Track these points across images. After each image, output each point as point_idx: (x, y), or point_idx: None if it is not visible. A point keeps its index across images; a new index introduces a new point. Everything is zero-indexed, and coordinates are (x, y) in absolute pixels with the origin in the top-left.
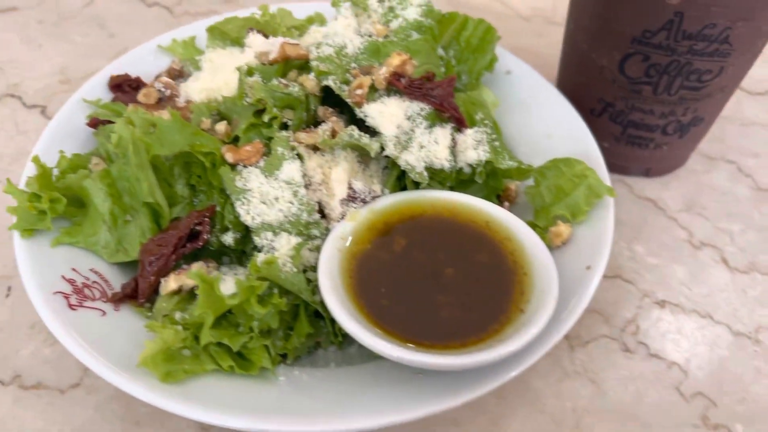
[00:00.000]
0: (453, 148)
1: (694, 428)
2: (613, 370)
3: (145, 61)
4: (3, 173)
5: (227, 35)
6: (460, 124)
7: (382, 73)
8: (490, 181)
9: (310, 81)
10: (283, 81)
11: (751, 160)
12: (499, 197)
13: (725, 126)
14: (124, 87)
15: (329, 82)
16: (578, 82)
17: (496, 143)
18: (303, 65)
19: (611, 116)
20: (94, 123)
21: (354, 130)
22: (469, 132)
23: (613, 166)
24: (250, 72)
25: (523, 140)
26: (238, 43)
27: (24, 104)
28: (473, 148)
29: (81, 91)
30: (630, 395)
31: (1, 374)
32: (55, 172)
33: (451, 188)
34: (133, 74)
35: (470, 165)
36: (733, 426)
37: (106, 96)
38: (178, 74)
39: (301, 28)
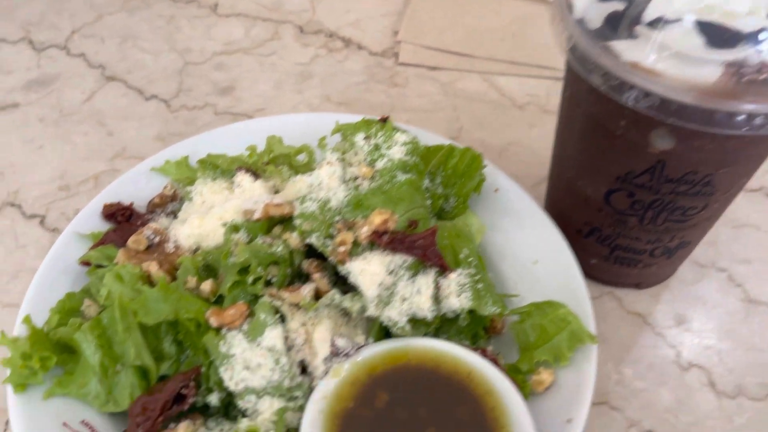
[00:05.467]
0: (436, 295)
1: None
2: None
3: (138, 185)
4: (1, 292)
5: (217, 167)
6: (444, 269)
7: (364, 231)
8: (473, 322)
9: (294, 239)
10: (268, 239)
11: (742, 267)
12: (486, 329)
13: (718, 228)
14: (117, 216)
15: (312, 240)
16: (566, 204)
17: (480, 286)
18: (286, 219)
19: (598, 239)
20: (86, 263)
21: (336, 294)
22: (453, 276)
23: (602, 280)
24: (235, 229)
25: (509, 264)
26: (228, 174)
27: (23, 214)
28: (456, 295)
29: (75, 222)
30: None
31: None
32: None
33: (436, 329)
34: (127, 198)
35: (453, 311)
36: None
37: (99, 224)
38: (170, 198)
39: (289, 158)
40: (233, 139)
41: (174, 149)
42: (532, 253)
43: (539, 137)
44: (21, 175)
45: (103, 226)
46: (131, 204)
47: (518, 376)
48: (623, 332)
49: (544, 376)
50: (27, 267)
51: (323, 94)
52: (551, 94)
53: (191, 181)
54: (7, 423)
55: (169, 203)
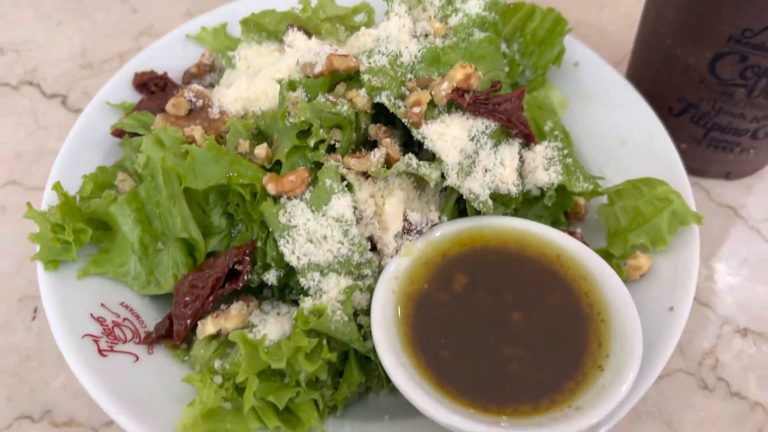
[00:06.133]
0: (520, 168)
1: None
2: (689, 411)
3: (172, 53)
4: (23, 174)
5: (263, 28)
6: (530, 140)
7: (444, 88)
8: (558, 200)
9: (361, 98)
10: (331, 98)
11: None
12: (567, 214)
13: None
14: (150, 86)
15: (383, 98)
16: (656, 79)
17: (569, 160)
18: (351, 76)
19: (693, 117)
20: (119, 133)
21: (412, 159)
22: (539, 149)
23: (688, 169)
24: (292, 86)
25: (592, 143)
26: (275, 36)
27: (43, 93)
28: (544, 168)
29: (103, 91)
30: None
31: (30, 409)
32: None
33: (516, 209)
34: (159, 69)
35: (539, 187)
36: None
37: (130, 95)
38: (208, 69)
39: (345, 19)
40: (277, 2)
41: (210, 16)
42: (619, 132)
43: (610, 19)
44: (38, 53)
45: (134, 98)
46: (165, 73)
47: (611, 261)
48: (713, 226)
49: (642, 260)
50: (50, 149)
51: None
52: None
53: (230, 50)
54: (35, 310)
55: (207, 74)
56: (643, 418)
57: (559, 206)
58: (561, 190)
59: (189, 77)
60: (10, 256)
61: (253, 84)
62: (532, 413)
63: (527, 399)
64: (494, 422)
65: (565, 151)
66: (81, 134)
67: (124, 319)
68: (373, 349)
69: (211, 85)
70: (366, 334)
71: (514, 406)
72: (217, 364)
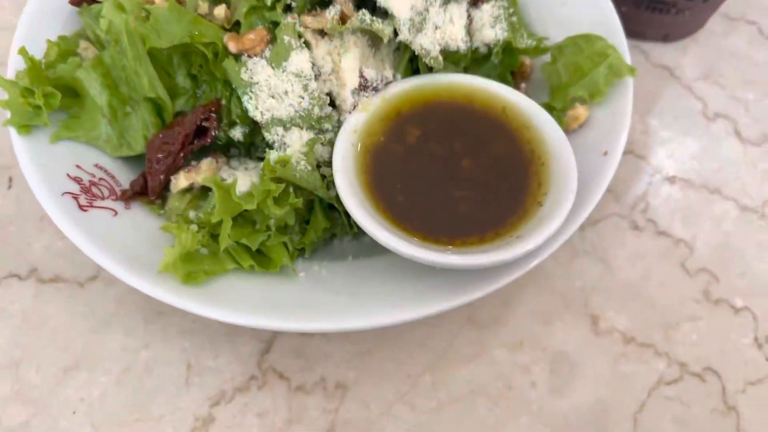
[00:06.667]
0: (468, 27)
1: (696, 303)
2: (621, 248)
3: None
4: None
5: None
6: (477, 0)
7: None
8: (505, 59)
9: None
10: None
11: None
12: (513, 74)
13: None
14: None
15: None
16: None
17: (514, 18)
18: None
19: None
20: (78, 2)
21: (365, 15)
22: (486, 7)
23: (629, 32)
24: None
25: (537, 5)
26: None
27: None
28: (490, 26)
29: None
30: (637, 273)
31: (17, 268)
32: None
33: (465, 69)
34: None
35: (486, 45)
36: (732, 300)
37: None
38: None
39: None
40: None
41: None
42: None
43: None
44: None
45: None
46: None
47: (553, 113)
48: (649, 85)
49: (580, 111)
50: (5, 24)
51: None
52: None
53: None
54: (10, 179)
55: None
56: (580, 256)
57: (506, 66)
58: (507, 49)
59: None
60: None
61: None
62: (479, 243)
63: (474, 232)
64: (444, 251)
65: (511, 10)
66: (39, 4)
67: (100, 179)
68: (337, 197)
69: None
70: (329, 184)
71: (463, 239)
72: (192, 214)
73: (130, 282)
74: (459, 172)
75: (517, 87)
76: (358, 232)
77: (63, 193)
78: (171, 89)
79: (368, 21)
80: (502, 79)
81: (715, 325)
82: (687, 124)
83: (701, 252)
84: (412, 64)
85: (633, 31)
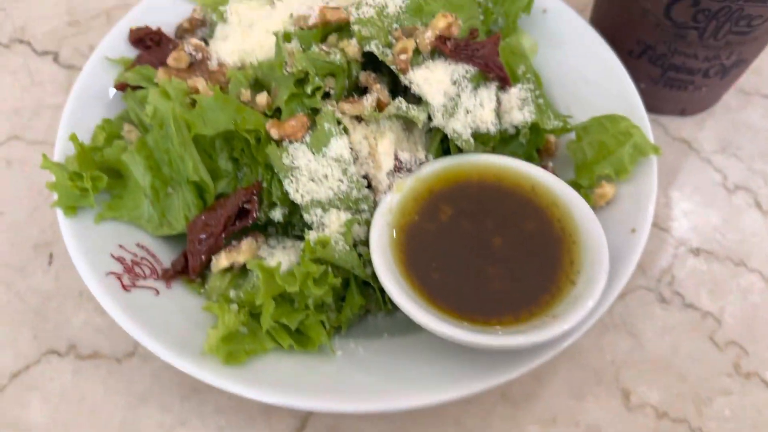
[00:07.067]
0: (497, 109)
1: (727, 377)
2: (650, 321)
3: (163, 9)
4: (24, 129)
5: None
6: (505, 83)
7: (428, 36)
8: (532, 138)
9: (352, 47)
10: (324, 48)
11: None
12: (539, 151)
13: (761, 56)
14: (146, 41)
15: (372, 47)
16: (616, 23)
17: (540, 101)
18: (342, 27)
19: (651, 58)
20: (122, 87)
21: (401, 102)
22: (514, 91)
23: (647, 107)
24: (287, 38)
25: (560, 84)
26: None
27: (34, 51)
28: (518, 108)
29: (101, 47)
30: (667, 346)
31: (57, 344)
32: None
33: (494, 147)
34: (153, 24)
35: (515, 126)
36: (763, 374)
37: (127, 50)
38: (200, 23)
39: None
40: None
41: None
42: (584, 73)
43: None
44: (24, 11)
45: (130, 53)
46: (159, 28)
47: (580, 190)
48: (669, 158)
49: (607, 189)
50: (47, 104)
51: None
52: None
53: (220, 5)
54: (51, 256)
55: (199, 28)
56: (610, 330)
57: (532, 144)
58: (534, 128)
59: (182, 32)
60: (21, 206)
61: (248, 36)
62: (514, 323)
63: (509, 311)
64: (481, 331)
65: (537, 92)
66: (84, 89)
67: (142, 258)
68: (373, 275)
69: (203, 40)
70: (365, 262)
71: (498, 318)
72: (232, 293)
73: (175, 363)
74: (491, 249)
75: (543, 163)
76: (392, 308)
77: (107, 274)
78: (213, 171)
79: (404, 108)
80: (528, 156)
81: (748, 400)
82: (708, 196)
83: (729, 324)
84: (443, 144)
85: (651, 106)
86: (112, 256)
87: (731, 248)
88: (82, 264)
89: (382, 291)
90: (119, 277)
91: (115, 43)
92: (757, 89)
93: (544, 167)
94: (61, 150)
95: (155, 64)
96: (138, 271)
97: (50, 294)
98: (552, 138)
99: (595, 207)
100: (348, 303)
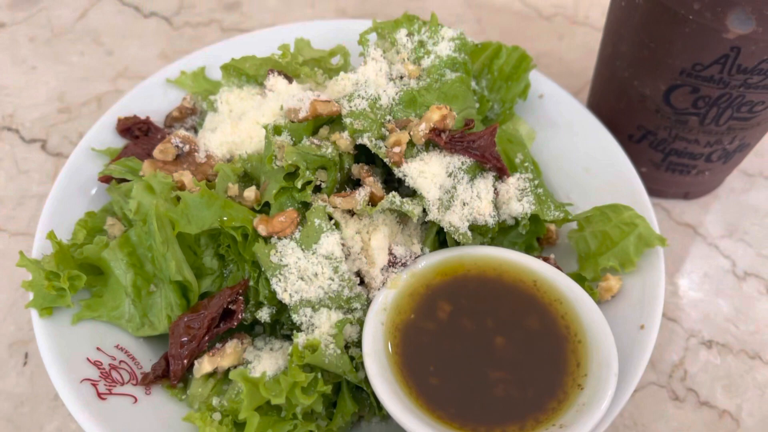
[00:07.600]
0: (495, 200)
1: None
2: (663, 421)
3: (152, 97)
4: (6, 220)
5: (243, 72)
6: (503, 174)
7: (422, 129)
8: (531, 227)
9: (344, 140)
10: (315, 141)
11: None
12: (539, 240)
13: (764, 139)
14: (134, 130)
15: (364, 140)
16: (616, 108)
17: (540, 190)
18: (334, 119)
19: (652, 144)
20: (107, 179)
21: (395, 197)
22: (512, 181)
23: (649, 191)
24: (278, 131)
25: (560, 170)
26: (255, 80)
27: (22, 138)
28: (517, 199)
29: (87, 137)
30: None
31: None
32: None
33: (492, 238)
34: (141, 113)
35: (514, 217)
36: None
37: (114, 140)
38: (190, 112)
39: (322, 62)
40: (254, 47)
41: (188, 60)
42: (583, 159)
43: (570, 48)
44: (15, 98)
45: (117, 142)
46: (148, 118)
47: (583, 284)
48: (674, 244)
49: (612, 282)
50: (32, 193)
51: (338, 7)
52: (580, 4)
53: (210, 94)
54: (26, 356)
55: (189, 117)
56: (620, 431)
57: (532, 233)
58: (534, 218)
59: (171, 121)
60: None
61: (237, 128)
62: None
63: (513, 420)
64: None
65: (536, 182)
66: (67, 180)
67: (120, 361)
68: (365, 380)
69: (193, 128)
70: (358, 365)
71: (502, 427)
72: (215, 401)
73: None
74: (493, 350)
75: (544, 253)
76: (387, 415)
77: (82, 380)
78: (197, 269)
79: (398, 203)
80: (528, 246)
81: None
82: (717, 283)
83: (748, 424)
84: (439, 236)
85: (653, 190)
86: (89, 360)
87: (745, 340)
88: (55, 370)
89: (376, 395)
90: (95, 384)
91: (103, 132)
92: (761, 171)
93: (546, 259)
94: (40, 246)
95: (142, 155)
96: (116, 376)
97: (23, 398)
98: (553, 227)
99: (600, 301)
100: (339, 410)
